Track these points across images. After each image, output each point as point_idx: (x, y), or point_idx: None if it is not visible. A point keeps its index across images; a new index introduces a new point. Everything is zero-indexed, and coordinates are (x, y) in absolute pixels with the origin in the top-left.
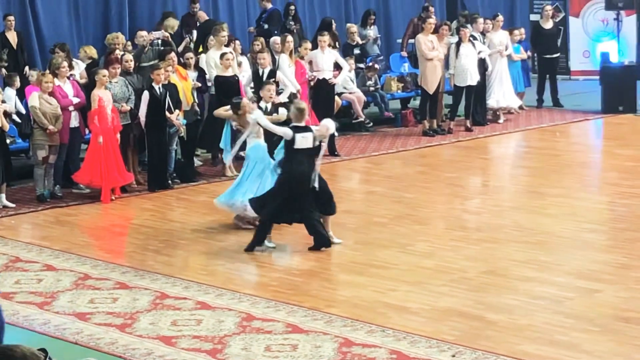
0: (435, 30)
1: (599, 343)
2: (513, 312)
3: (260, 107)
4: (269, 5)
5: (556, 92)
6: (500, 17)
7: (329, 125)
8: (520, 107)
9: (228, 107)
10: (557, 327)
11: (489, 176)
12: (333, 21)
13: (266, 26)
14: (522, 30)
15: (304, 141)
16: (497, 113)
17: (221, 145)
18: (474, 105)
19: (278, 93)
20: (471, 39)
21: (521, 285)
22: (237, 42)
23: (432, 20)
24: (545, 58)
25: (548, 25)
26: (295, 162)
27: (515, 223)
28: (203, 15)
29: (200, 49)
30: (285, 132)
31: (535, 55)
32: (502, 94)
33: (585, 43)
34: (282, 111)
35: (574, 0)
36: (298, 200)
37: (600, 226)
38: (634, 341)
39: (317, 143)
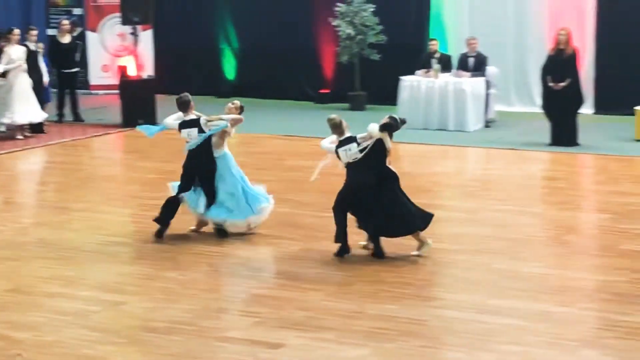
0: None
1: (126, 354)
2: (39, 329)
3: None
4: None
5: (77, 107)
6: (17, 31)
7: (370, 129)
8: (43, 123)
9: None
10: (83, 341)
11: (11, 193)
12: None
13: None
14: (41, 44)
15: (349, 154)
16: (23, 127)
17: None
18: None
19: None
20: None
21: (47, 301)
22: None
23: None
24: (64, 73)
25: (66, 39)
26: (348, 175)
27: (39, 239)
28: None
29: None
30: (330, 149)
31: (54, 70)
32: (24, 109)
33: (104, 57)
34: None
35: (91, 15)
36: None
37: (125, 238)
38: (160, 350)
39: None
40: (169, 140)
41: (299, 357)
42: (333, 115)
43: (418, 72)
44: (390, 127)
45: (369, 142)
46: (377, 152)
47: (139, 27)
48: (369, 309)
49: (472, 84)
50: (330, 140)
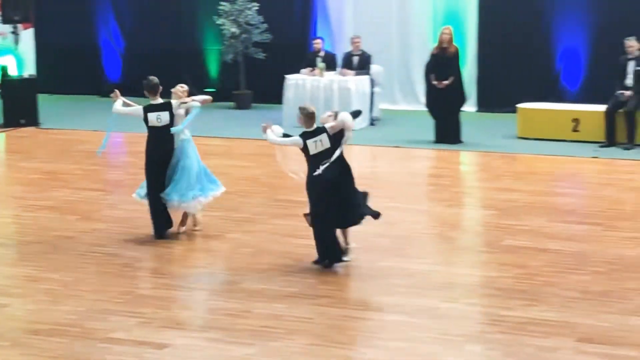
0: None
1: (9, 357)
2: None
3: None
4: None
5: None
6: None
7: (344, 118)
8: None
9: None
10: None
11: None
12: None
13: None
14: None
15: (318, 145)
16: None
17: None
18: None
19: None
20: None
21: None
22: None
23: None
24: None
25: None
26: (315, 168)
27: None
28: None
29: None
30: (295, 141)
31: None
32: None
33: None
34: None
35: None
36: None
37: (7, 240)
38: (44, 353)
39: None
40: (52, 141)
41: (184, 357)
42: (307, 104)
43: (303, 70)
44: (359, 115)
45: (348, 134)
46: (340, 143)
47: (19, 25)
48: (255, 308)
49: (356, 83)
50: (277, 134)
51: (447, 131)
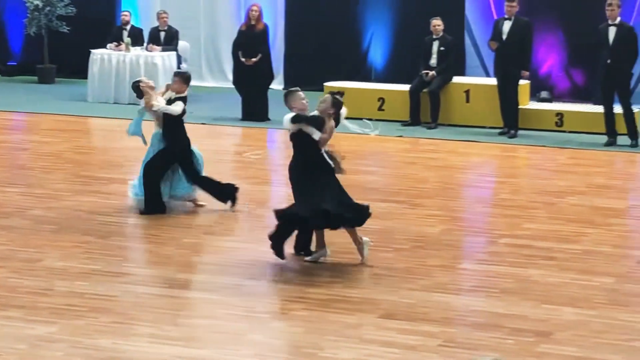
0: None
1: None
2: None
3: None
4: None
5: None
6: None
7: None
8: None
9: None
10: None
11: None
12: None
13: None
14: None
15: None
16: None
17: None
18: None
19: None
20: None
21: None
22: None
23: None
24: None
25: None
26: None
27: None
28: None
29: None
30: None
31: None
32: None
33: None
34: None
35: None
36: None
37: None
38: None
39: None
40: None
41: None
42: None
43: (109, 45)
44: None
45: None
46: None
47: None
48: (57, 286)
49: (163, 58)
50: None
51: (255, 109)
